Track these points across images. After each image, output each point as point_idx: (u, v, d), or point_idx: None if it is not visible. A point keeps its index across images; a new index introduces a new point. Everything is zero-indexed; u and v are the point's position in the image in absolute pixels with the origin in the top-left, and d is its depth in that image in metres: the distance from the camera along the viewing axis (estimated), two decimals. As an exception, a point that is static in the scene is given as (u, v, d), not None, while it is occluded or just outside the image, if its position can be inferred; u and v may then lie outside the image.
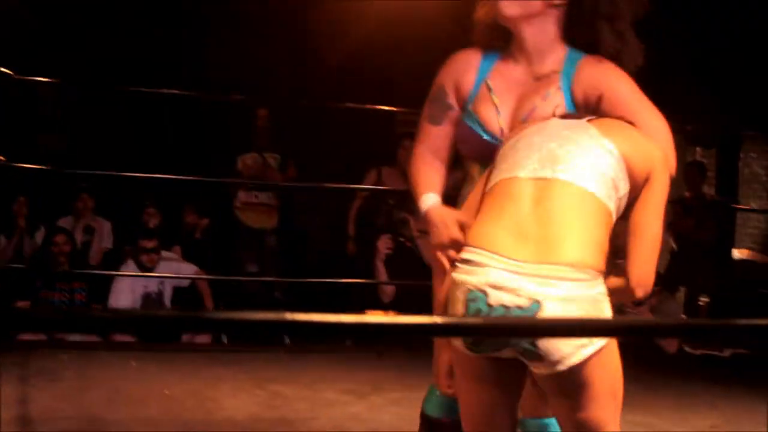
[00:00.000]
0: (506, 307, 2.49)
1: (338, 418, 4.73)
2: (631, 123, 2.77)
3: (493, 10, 2.91)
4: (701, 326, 2.13)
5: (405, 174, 7.77)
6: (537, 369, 2.59)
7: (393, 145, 7.95)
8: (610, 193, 2.62)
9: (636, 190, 2.68)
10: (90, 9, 8.24)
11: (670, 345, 6.69)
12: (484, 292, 2.51)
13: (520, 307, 2.49)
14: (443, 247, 2.82)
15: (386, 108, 6.97)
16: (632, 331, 1.97)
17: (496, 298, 2.50)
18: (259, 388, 5.26)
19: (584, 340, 2.51)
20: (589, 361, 2.55)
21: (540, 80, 2.91)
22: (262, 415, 4.74)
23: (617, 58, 2.88)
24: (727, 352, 6.99)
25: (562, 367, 2.54)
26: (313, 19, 8.18)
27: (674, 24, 7.59)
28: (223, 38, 8.41)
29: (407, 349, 6.50)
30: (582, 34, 2.89)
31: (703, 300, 8.81)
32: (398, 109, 7.27)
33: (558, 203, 2.57)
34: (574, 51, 2.90)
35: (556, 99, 2.86)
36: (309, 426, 4.56)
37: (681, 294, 8.75)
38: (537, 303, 2.48)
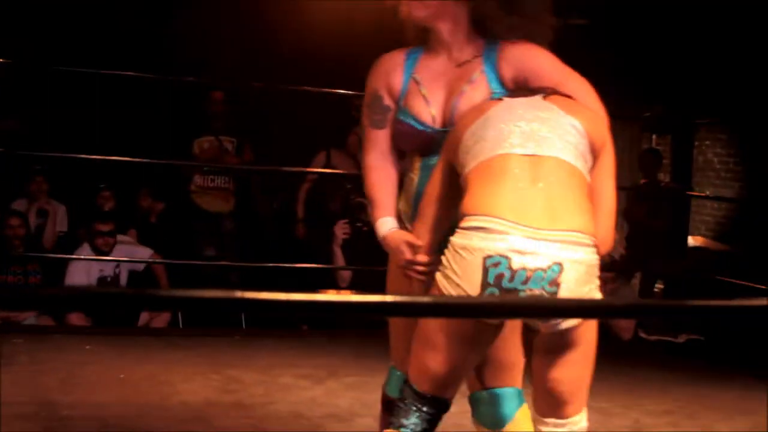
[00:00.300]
0: (528, 270, 2.65)
1: (295, 403, 4.72)
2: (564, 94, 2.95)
3: (404, 12, 3.06)
4: (655, 307, 2.14)
5: (355, 157, 7.83)
6: (543, 326, 2.78)
7: (345, 129, 7.95)
8: (585, 167, 2.81)
9: (594, 156, 2.87)
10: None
11: (626, 332, 6.74)
12: (507, 257, 2.65)
13: (542, 269, 2.65)
14: (406, 267, 2.97)
15: (341, 92, 6.96)
16: (610, 312, 1.99)
17: (519, 262, 2.64)
18: (214, 372, 5.24)
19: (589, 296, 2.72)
20: (586, 323, 2.77)
21: (462, 66, 3.06)
22: (218, 399, 4.73)
23: (530, 38, 3.05)
24: (681, 338, 7.06)
25: (566, 325, 2.75)
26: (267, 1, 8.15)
27: (628, 13, 7.63)
28: (179, 20, 8.34)
29: (361, 332, 6.52)
30: (492, 22, 3.05)
31: (658, 287, 8.88)
32: (354, 93, 7.27)
33: (554, 178, 2.75)
34: (491, 38, 3.05)
35: (482, 82, 3.03)
36: (266, 410, 4.55)
37: (636, 281, 8.82)
38: (558, 265, 2.66)
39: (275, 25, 8.08)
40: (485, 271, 2.66)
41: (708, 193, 10.07)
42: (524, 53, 3.02)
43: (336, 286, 7.16)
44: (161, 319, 7.05)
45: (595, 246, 2.75)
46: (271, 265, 7.18)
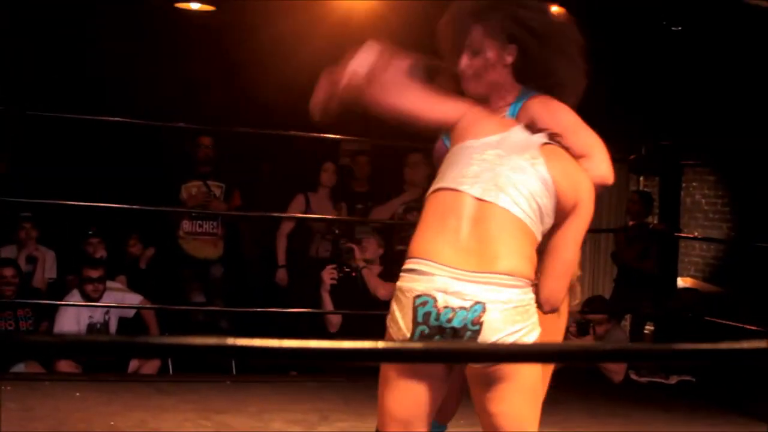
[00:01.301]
0: (453, 309, 2.79)
1: (286, 449, 4.69)
2: (568, 146, 3.07)
3: (465, 89, 3.25)
4: (645, 351, 2.15)
5: (332, 197, 7.82)
6: (473, 365, 2.88)
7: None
8: (536, 222, 2.91)
9: (562, 215, 2.96)
10: (29, 32, 8.16)
11: (617, 374, 6.73)
12: (433, 297, 2.81)
13: (465, 309, 2.78)
14: None
15: (330, 136, 6.99)
16: (576, 357, 1.98)
17: (443, 301, 2.80)
18: (205, 419, 5.21)
19: (519, 334, 2.81)
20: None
21: (495, 112, 3.23)
22: (209, 446, 4.70)
23: (562, 86, 3.24)
24: (672, 380, 7.05)
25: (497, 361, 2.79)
26: (246, 49, 8.18)
27: (614, 53, 7.69)
28: (166, 65, 8.37)
29: (351, 378, 6.50)
30: (530, 73, 3.24)
31: (648, 328, 8.89)
32: (342, 137, 7.30)
33: (495, 225, 2.87)
34: (526, 89, 3.25)
35: None
36: (257, 457, 4.52)
37: (627, 323, 8.82)
38: (480, 304, 2.78)
39: (262, 69, 8.10)
40: (415, 310, 2.82)
41: (696, 234, 10.11)
42: (544, 105, 3.18)
43: (325, 332, 7.15)
44: (151, 366, 7.02)
45: (529, 287, 2.86)
46: (260, 310, 7.17)
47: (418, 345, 1.78)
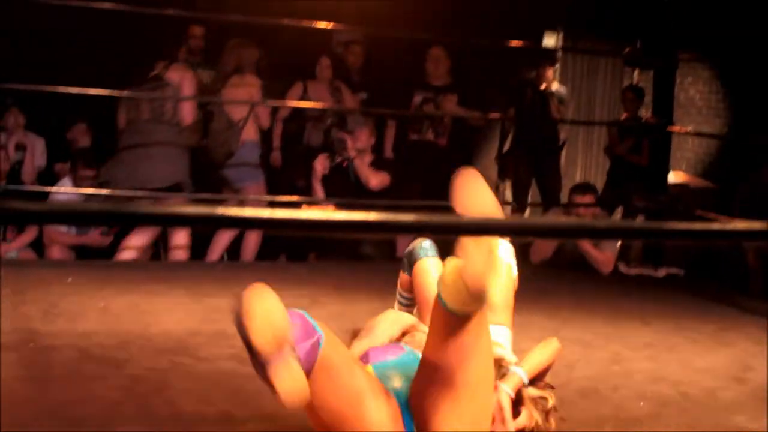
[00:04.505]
0: None
1: (277, 333, 4.71)
2: None
3: None
4: (638, 229, 2.14)
5: (331, 88, 7.77)
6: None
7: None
8: None
9: None
10: None
11: (606, 266, 6.76)
12: None
13: None
14: None
15: (322, 25, 6.93)
16: (570, 233, 1.98)
17: None
18: (196, 302, 5.24)
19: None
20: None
21: None
22: (200, 329, 4.72)
23: None
24: (661, 272, 7.09)
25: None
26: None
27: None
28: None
29: (341, 263, 6.55)
30: None
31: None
32: (335, 26, 7.22)
33: None
34: None
35: None
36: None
37: (618, 216, 8.84)
38: None
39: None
40: None
41: (689, 129, 10.08)
42: None
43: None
44: (143, 254, 7.04)
45: None
46: (252, 197, 7.16)
47: (409, 217, 1.76)
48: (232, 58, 7.46)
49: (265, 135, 7.64)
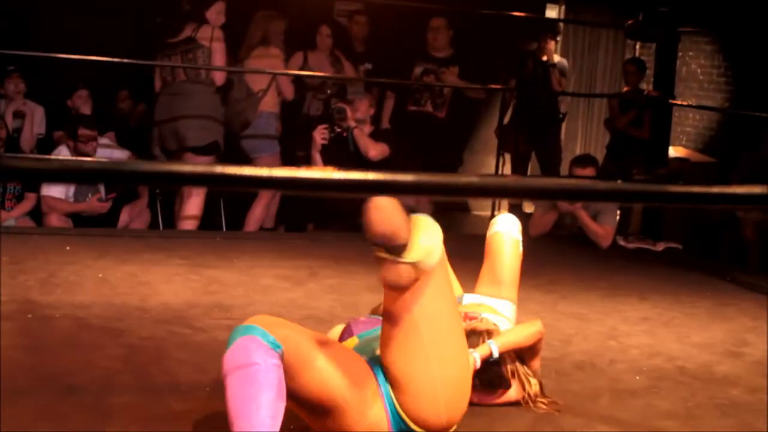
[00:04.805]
0: None
1: (275, 304, 4.72)
2: None
3: None
4: (640, 192, 2.12)
5: (331, 58, 7.76)
6: None
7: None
8: None
9: None
10: None
11: (604, 239, 6.75)
12: None
13: None
14: None
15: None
16: (570, 194, 1.97)
17: None
18: (195, 273, 5.24)
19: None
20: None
21: None
22: (198, 300, 4.72)
23: None
24: (659, 246, 7.08)
25: None
26: None
27: None
28: None
29: (340, 235, 6.54)
30: None
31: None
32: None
33: None
34: None
35: None
36: (246, 311, 4.54)
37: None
38: None
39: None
40: None
41: (691, 102, 10.06)
42: None
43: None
44: (141, 221, 7.03)
45: None
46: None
47: (408, 177, 1.76)
48: (259, 29, 7.50)
49: (285, 107, 7.68)
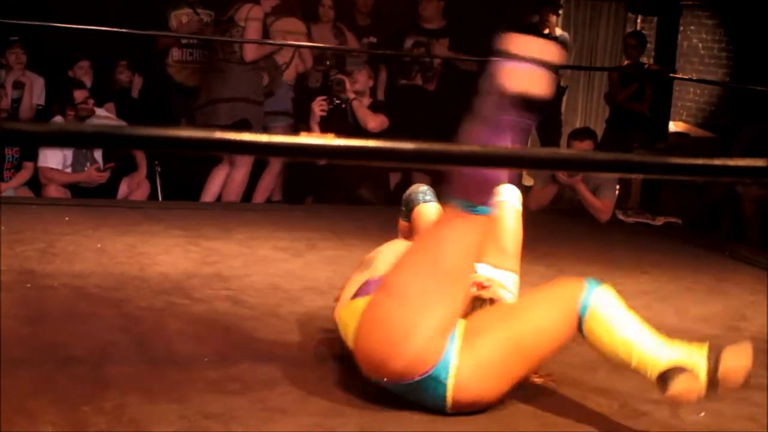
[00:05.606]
0: None
1: (273, 275, 4.72)
2: None
3: None
4: (640, 163, 2.12)
5: (334, 30, 7.76)
6: None
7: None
8: None
9: None
10: None
11: (604, 213, 6.75)
12: None
13: None
14: None
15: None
16: (570, 164, 1.97)
17: None
18: (193, 244, 5.24)
19: None
20: None
21: None
22: (197, 270, 4.72)
23: None
24: (659, 221, 7.08)
25: None
26: None
27: None
28: None
29: (339, 208, 6.53)
30: None
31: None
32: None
33: None
34: None
35: None
36: (244, 282, 4.55)
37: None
38: None
39: None
40: None
41: (692, 77, 10.04)
42: None
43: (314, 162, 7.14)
44: (140, 193, 7.02)
45: None
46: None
47: (409, 145, 1.76)
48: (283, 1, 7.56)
49: (300, 78, 7.73)
